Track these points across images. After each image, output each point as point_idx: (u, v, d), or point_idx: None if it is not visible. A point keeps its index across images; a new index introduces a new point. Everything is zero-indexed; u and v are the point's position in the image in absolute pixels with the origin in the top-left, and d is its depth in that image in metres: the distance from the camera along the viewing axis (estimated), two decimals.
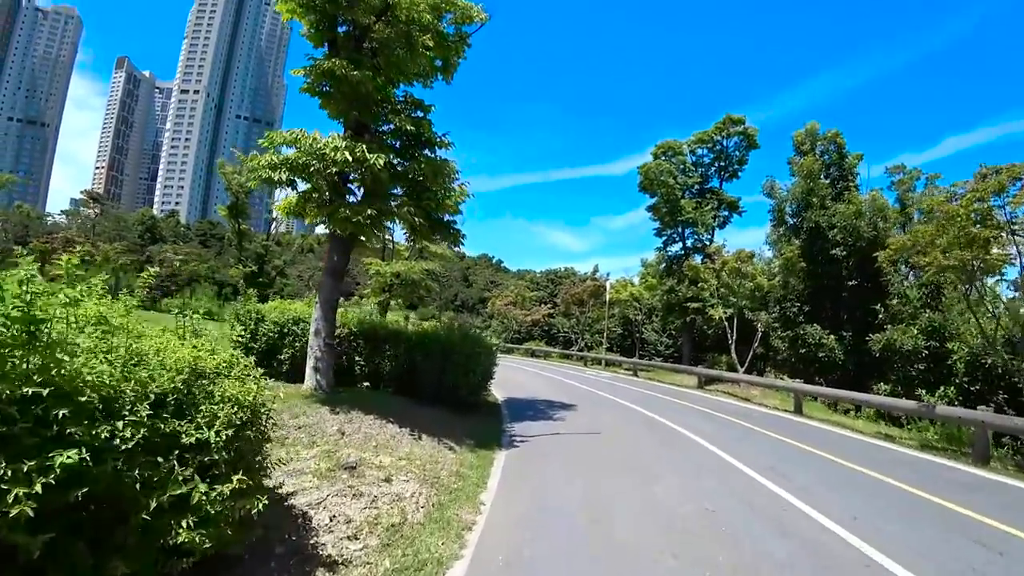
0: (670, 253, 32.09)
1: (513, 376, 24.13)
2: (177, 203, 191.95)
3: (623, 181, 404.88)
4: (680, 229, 30.64)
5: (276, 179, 8.30)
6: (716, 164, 31.78)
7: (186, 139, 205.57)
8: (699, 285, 24.68)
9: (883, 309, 21.36)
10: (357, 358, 12.81)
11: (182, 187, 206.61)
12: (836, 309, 24.77)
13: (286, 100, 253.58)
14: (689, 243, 31.10)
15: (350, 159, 8.03)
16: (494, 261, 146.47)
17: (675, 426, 11.97)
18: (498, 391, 17.63)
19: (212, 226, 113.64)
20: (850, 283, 24.38)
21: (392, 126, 10.29)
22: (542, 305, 49.98)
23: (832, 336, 22.95)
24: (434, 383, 12.05)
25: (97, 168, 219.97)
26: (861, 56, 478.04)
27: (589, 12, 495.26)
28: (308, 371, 9.70)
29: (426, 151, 10.47)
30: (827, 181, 24.83)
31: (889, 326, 20.59)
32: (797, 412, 16.01)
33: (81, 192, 74.13)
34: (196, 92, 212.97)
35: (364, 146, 8.26)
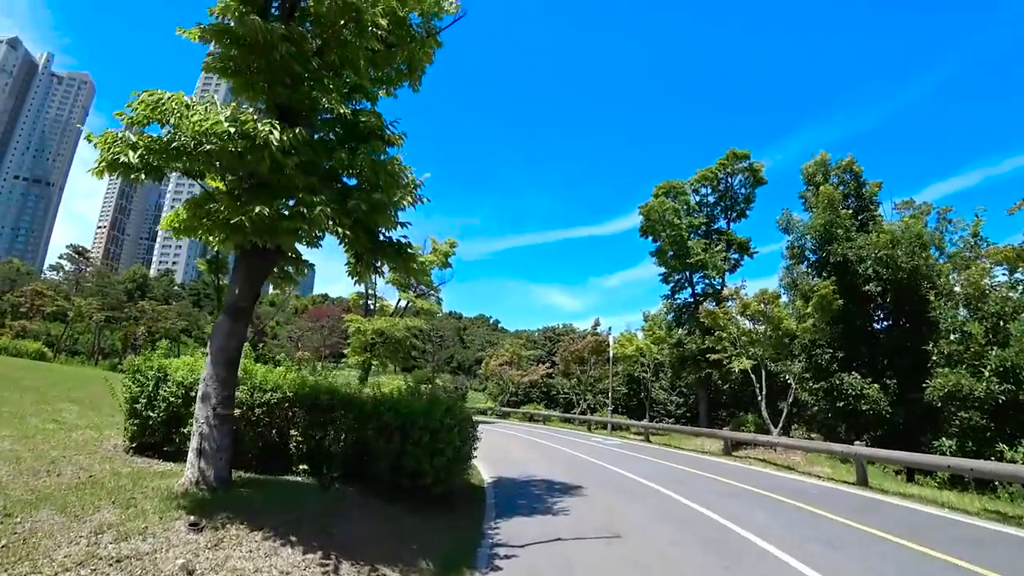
0: (678, 301, 29.29)
1: (506, 446, 20.68)
2: (174, 263, 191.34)
3: (618, 240, 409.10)
4: (688, 274, 27.99)
5: (129, 164, 5.53)
6: (722, 204, 29.64)
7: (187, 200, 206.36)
8: (716, 334, 21.70)
9: (936, 350, 18.36)
10: (293, 432, 9.78)
11: (180, 247, 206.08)
12: (872, 353, 21.74)
13: None
14: (699, 289, 28.39)
15: (232, 132, 5.31)
16: (491, 321, 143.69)
17: (726, 522, 8.64)
18: (485, 467, 14.34)
19: (206, 286, 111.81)
20: (886, 323, 21.58)
21: (327, 116, 7.79)
22: (540, 364, 46.59)
23: (875, 385, 19.79)
24: (390, 467, 8.89)
25: (99, 227, 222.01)
26: (846, 111, 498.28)
27: (576, 74, 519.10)
28: (190, 456, 6.60)
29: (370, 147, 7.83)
30: (849, 211, 22.47)
31: (944, 369, 17.52)
32: (862, 484, 12.66)
33: (67, 247, 72.30)
34: None
35: (254, 117, 5.58)
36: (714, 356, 21.73)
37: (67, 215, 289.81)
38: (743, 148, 28.89)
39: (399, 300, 33.74)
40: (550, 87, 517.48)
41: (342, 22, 7.52)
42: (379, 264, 8.79)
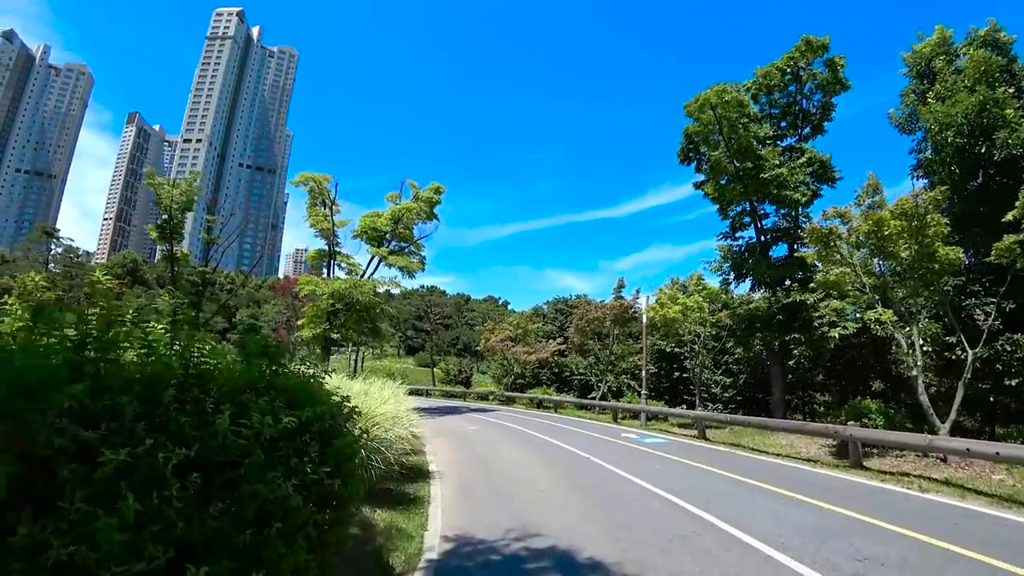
0: (739, 243, 21.52)
1: (499, 450, 13.58)
2: (176, 250, 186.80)
3: (629, 222, 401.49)
4: (751, 203, 20.12)
5: None
6: (789, 116, 21.77)
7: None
8: (820, 275, 14.21)
9: None
10: None
11: (185, 235, 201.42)
12: None
13: (291, 149, 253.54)
14: (769, 224, 20.59)
15: None
16: (500, 302, 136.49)
17: None
18: (447, 503, 7.46)
19: (206, 272, 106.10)
20: None
21: None
22: (550, 341, 39.22)
23: None
24: None
25: (105, 219, 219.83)
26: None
27: (587, 53, 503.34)
28: None
29: None
30: (1008, 91, 14.73)
31: None
32: None
33: (36, 226, 66.97)
34: (199, 141, 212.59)
35: None
36: (831, 305, 14.09)
37: (80, 210, 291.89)
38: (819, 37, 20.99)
39: (371, 259, 26.58)
40: (557, 59, 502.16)
41: None
42: None
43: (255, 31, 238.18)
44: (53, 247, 70.99)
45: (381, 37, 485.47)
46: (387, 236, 26.08)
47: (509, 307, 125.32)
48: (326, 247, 26.05)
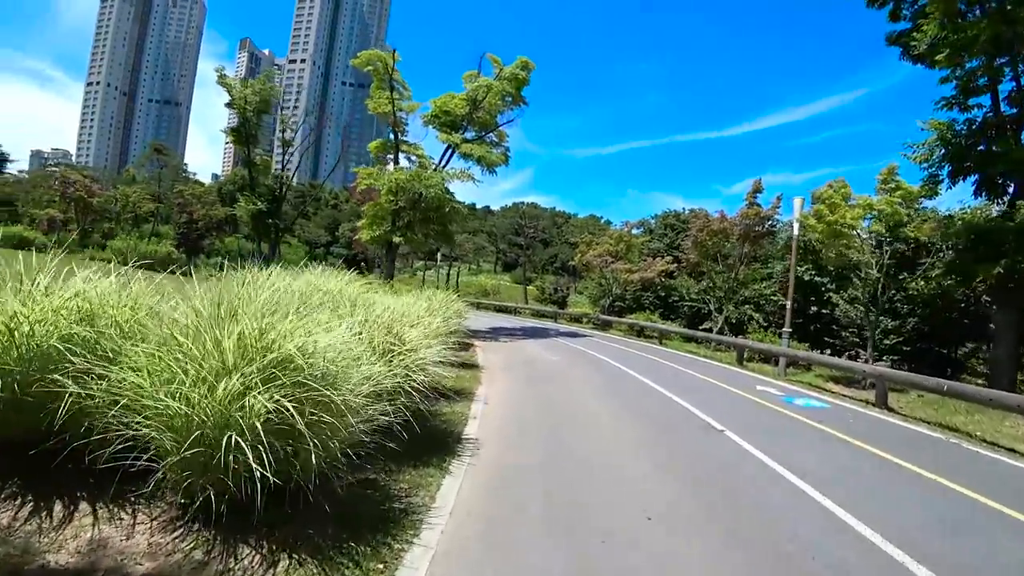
0: (970, 115, 14.13)
1: (583, 409, 9.10)
2: (287, 168, 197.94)
3: (743, 144, 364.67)
4: (1012, 47, 12.58)
5: None
6: None
7: (295, 107, 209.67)
8: None
9: None
10: None
11: (292, 153, 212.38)
12: None
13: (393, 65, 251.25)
14: None
15: None
16: (603, 221, 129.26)
17: None
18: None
19: (313, 188, 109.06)
20: None
21: None
22: (656, 259, 33.48)
23: None
24: None
25: (226, 143, 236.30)
26: None
27: None
28: None
29: None
30: None
31: None
32: None
33: (149, 143, 71.44)
34: (303, 61, 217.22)
35: None
36: None
37: (208, 137, 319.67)
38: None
39: (445, 149, 22.28)
40: None
41: None
42: None
43: None
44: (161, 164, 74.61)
45: None
46: (463, 122, 21.50)
47: (612, 226, 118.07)
48: (391, 137, 22.09)
